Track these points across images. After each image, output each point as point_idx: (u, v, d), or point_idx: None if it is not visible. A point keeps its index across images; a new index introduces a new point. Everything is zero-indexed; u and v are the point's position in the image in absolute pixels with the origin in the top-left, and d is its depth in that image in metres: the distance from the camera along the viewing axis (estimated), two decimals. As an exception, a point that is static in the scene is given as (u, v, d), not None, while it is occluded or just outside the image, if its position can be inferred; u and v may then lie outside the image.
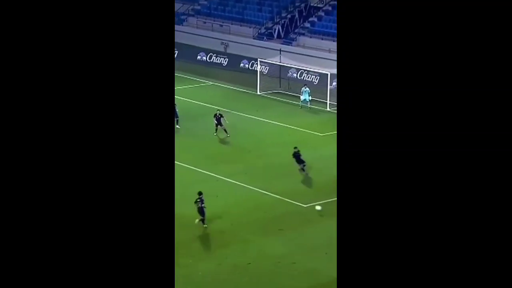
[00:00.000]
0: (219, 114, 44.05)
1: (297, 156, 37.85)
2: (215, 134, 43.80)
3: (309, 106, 50.21)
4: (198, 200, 31.77)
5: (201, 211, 31.72)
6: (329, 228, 28.85)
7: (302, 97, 50.49)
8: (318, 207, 33.31)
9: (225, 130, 43.61)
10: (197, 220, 31.60)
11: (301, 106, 50.41)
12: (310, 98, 50.10)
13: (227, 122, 43.79)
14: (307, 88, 50.59)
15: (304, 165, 37.66)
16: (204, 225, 31.81)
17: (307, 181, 36.81)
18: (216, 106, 49.27)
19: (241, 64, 61.55)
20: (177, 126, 44.41)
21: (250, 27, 64.56)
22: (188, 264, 28.36)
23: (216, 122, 43.80)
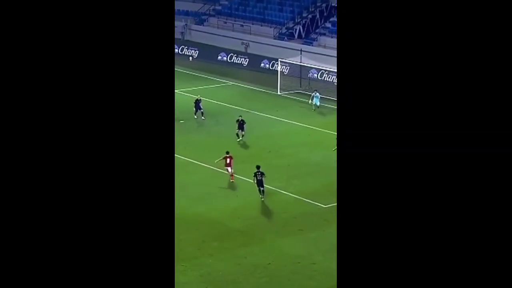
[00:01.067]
0: (242, 120, 43.89)
1: None
2: (238, 140, 43.36)
3: (318, 108, 49.64)
4: (258, 173, 34.61)
5: (260, 183, 34.50)
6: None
7: (313, 102, 50.03)
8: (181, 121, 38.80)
9: (237, 135, 43.44)
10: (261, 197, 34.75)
11: (314, 109, 49.94)
12: (319, 104, 49.61)
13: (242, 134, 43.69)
14: (318, 94, 50.26)
15: None
16: (262, 196, 34.49)
17: (326, 182, 36.72)
18: (236, 106, 49.33)
19: (262, 64, 61.60)
20: (202, 118, 47.17)
21: (271, 27, 64.59)
22: (208, 263, 28.40)
23: (237, 126, 43.66)
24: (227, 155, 37.45)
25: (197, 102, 47.47)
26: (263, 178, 34.55)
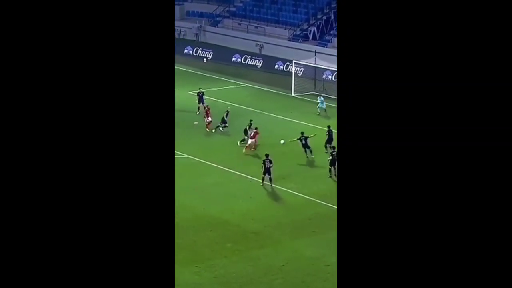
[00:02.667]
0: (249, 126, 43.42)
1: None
2: (239, 144, 42.67)
3: (323, 111, 49.42)
4: (266, 160, 35.94)
5: (267, 171, 35.84)
6: (363, 230, 28.69)
7: (318, 106, 49.67)
8: (282, 141, 40.54)
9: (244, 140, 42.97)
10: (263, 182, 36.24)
11: (319, 113, 49.67)
12: (325, 106, 49.31)
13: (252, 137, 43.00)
14: (322, 98, 50.01)
15: None
16: (270, 184, 35.96)
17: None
18: (250, 107, 49.26)
19: (276, 66, 61.58)
20: (221, 130, 44.96)
21: (285, 29, 64.58)
22: (222, 265, 28.42)
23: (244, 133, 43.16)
24: (255, 130, 40.87)
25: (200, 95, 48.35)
26: (270, 167, 35.71)
